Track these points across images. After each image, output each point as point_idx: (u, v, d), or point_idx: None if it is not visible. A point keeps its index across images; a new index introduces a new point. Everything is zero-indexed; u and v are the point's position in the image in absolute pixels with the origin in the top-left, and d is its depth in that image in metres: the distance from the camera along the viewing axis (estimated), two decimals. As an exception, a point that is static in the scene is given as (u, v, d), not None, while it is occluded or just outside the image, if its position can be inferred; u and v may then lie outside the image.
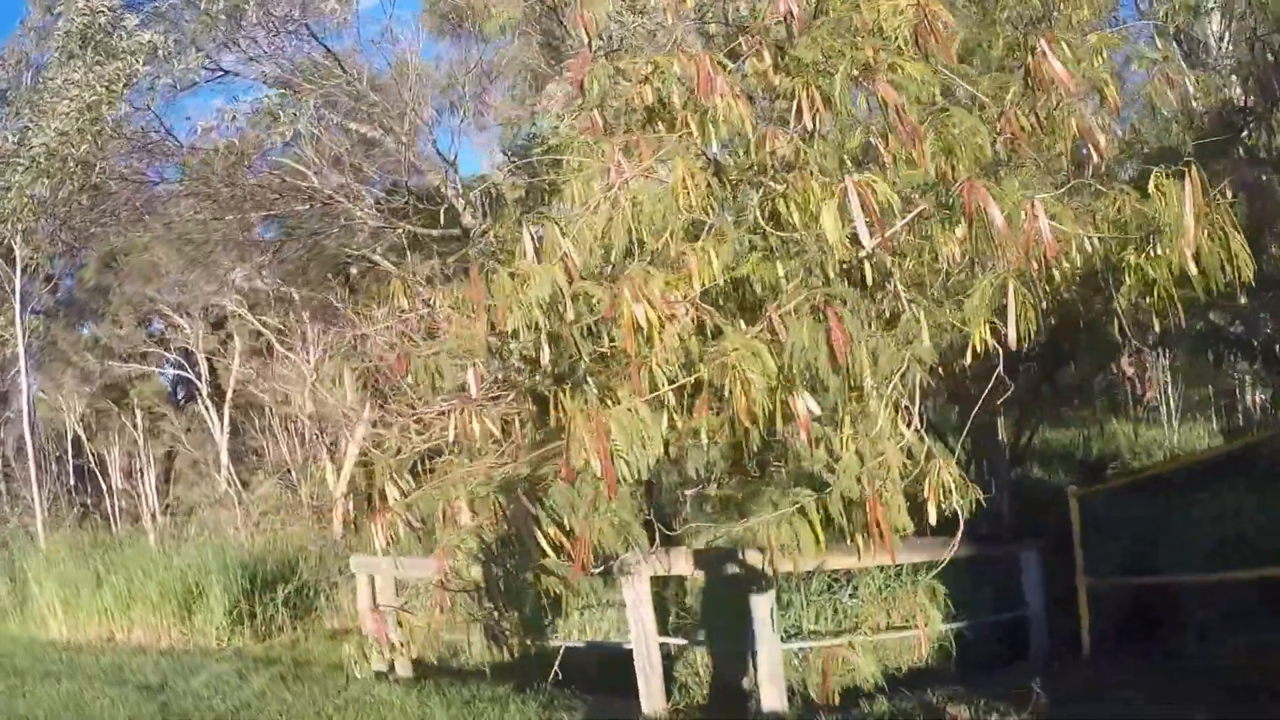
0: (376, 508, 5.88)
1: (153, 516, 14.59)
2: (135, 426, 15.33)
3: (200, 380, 15.33)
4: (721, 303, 4.63)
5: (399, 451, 7.59)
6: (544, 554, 4.76)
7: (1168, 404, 13.07)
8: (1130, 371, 13.30)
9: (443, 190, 10.49)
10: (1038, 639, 7.99)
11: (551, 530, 4.76)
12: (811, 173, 4.54)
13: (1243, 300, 5.79)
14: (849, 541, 4.30)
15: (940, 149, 4.25)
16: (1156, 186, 4.24)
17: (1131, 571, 7.80)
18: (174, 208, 10.99)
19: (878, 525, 3.87)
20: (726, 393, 3.81)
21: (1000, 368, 4.47)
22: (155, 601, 11.25)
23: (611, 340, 4.39)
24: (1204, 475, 8.78)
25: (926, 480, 3.97)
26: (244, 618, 11.24)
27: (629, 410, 3.78)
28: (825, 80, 4.63)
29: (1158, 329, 5.64)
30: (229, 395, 15.06)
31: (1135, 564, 7.94)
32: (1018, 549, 8.11)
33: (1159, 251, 4.53)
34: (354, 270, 12.63)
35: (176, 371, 15.92)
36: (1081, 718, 6.04)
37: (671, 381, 3.96)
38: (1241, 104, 5.99)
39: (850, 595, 8.03)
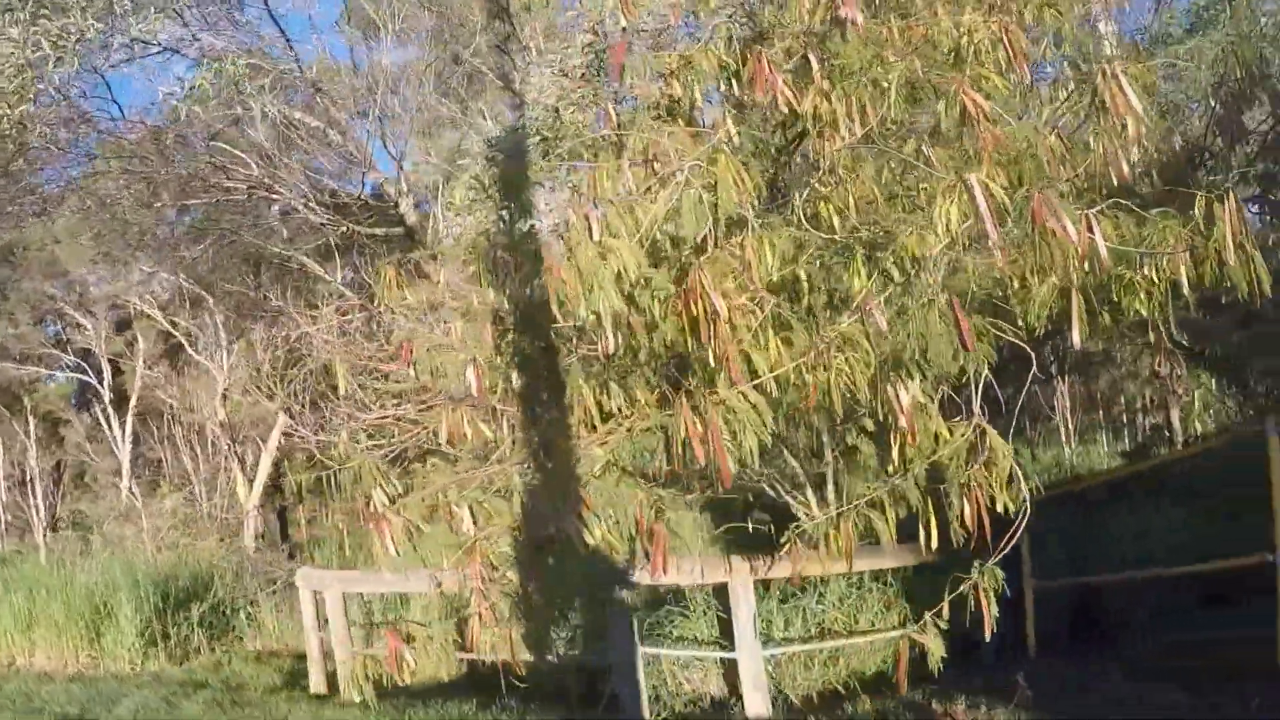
0: (378, 514, 5.57)
1: (44, 530, 13.46)
2: (28, 434, 14.14)
3: (102, 385, 14.26)
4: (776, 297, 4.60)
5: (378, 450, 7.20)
6: (592, 556, 4.60)
7: (1065, 425, 13.71)
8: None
9: (388, 189, 10.14)
10: (991, 639, 8.21)
11: (599, 532, 4.61)
12: (863, 176, 4.59)
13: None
14: (921, 529, 4.32)
15: (1007, 160, 4.33)
16: (1206, 207, 4.42)
17: (1072, 575, 8.10)
18: (100, 187, 10.18)
19: (976, 509, 3.88)
20: (825, 383, 3.78)
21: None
22: (60, 623, 10.37)
23: (684, 330, 4.28)
24: (1121, 489, 9.23)
25: (995, 471, 4.01)
26: (157, 639, 10.49)
27: (742, 395, 3.69)
28: (876, 89, 4.69)
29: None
30: (133, 401, 14.07)
31: (1074, 568, 8.28)
32: (972, 558, 8.32)
33: (1155, 270, 4.77)
34: (286, 268, 12.02)
35: (76, 375, 14.76)
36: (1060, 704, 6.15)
37: (769, 370, 3.89)
38: (1203, 144, 6.39)
39: (817, 601, 8.09)
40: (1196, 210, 4.43)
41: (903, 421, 3.82)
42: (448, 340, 5.70)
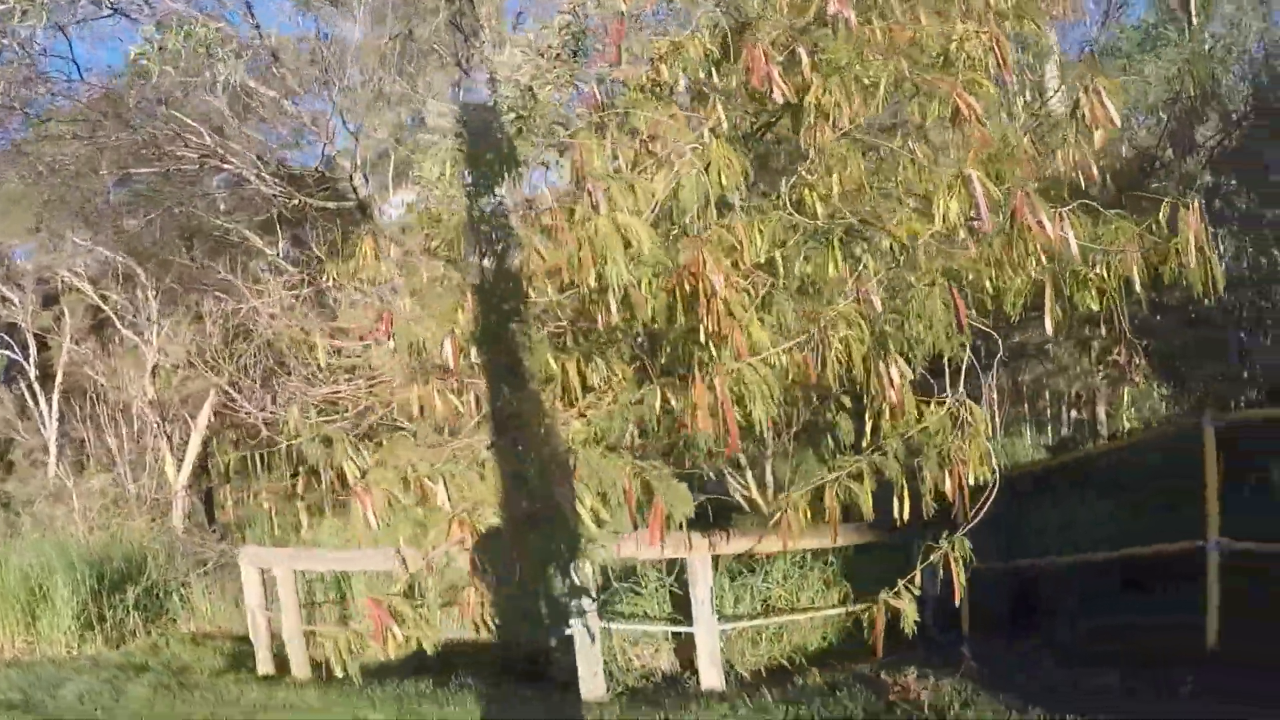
0: (359, 486, 5.56)
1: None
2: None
3: (27, 361, 13.68)
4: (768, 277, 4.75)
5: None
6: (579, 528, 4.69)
7: (992, 418, 14.19)
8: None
9: (342, 162, 9.99)
10: (926, 618, 8.54)
11: (589, 502, 4.70)
12: (849, 166, 4.77)
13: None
14: (897, 502, 4.52)
15: (988, 159, 4.55)
16: (1171, 211, 4.71)
17: (1006, 558, 8.44)
18: (47, 152, 9.78)
19: (957, 480, 4.08)
20: (823, 359, 3.93)
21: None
22: (-6, 606, 9.98)
23: (676, 306, 4.39)
24: (1054, 479, 9.62)
25: (975, 444, 4.22)
26: (93, 622, 10.18)
27: (751, 368, 3.83)
28: (860, 85, 4.87)
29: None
30: (58, 378, 13.54)
31: (1007, 555, 8.63)
32: (913, 537, 8.64)
33: (1108, 268, 5.06)
34: (226, 241, 11.70)
35: (2, 351, 14.10)
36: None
37: (771, 346, 4.04)
38: (1154, 154, 6.78)
39: (764, 579, 8.31)
40: (1161, 215, 4.71)
41: (892, 397, 4.01)
42: (426, 313, 5.71)
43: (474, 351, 6.25)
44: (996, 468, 4.32)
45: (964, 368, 4.27)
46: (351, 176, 9.99)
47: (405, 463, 6.07)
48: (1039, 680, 6.05)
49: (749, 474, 8.89)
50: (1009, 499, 9.21)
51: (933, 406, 4.18)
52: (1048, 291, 4.45)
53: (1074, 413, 12.40)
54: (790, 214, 4.86)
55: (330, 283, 9.15)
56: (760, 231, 4.64)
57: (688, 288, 4.31)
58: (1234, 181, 6.02)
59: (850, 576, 8.34)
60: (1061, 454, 10.20)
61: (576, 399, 5.17)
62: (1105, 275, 5.00)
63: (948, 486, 4.21)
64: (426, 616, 4.97)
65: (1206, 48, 6.91)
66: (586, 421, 4.89)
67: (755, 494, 9.14)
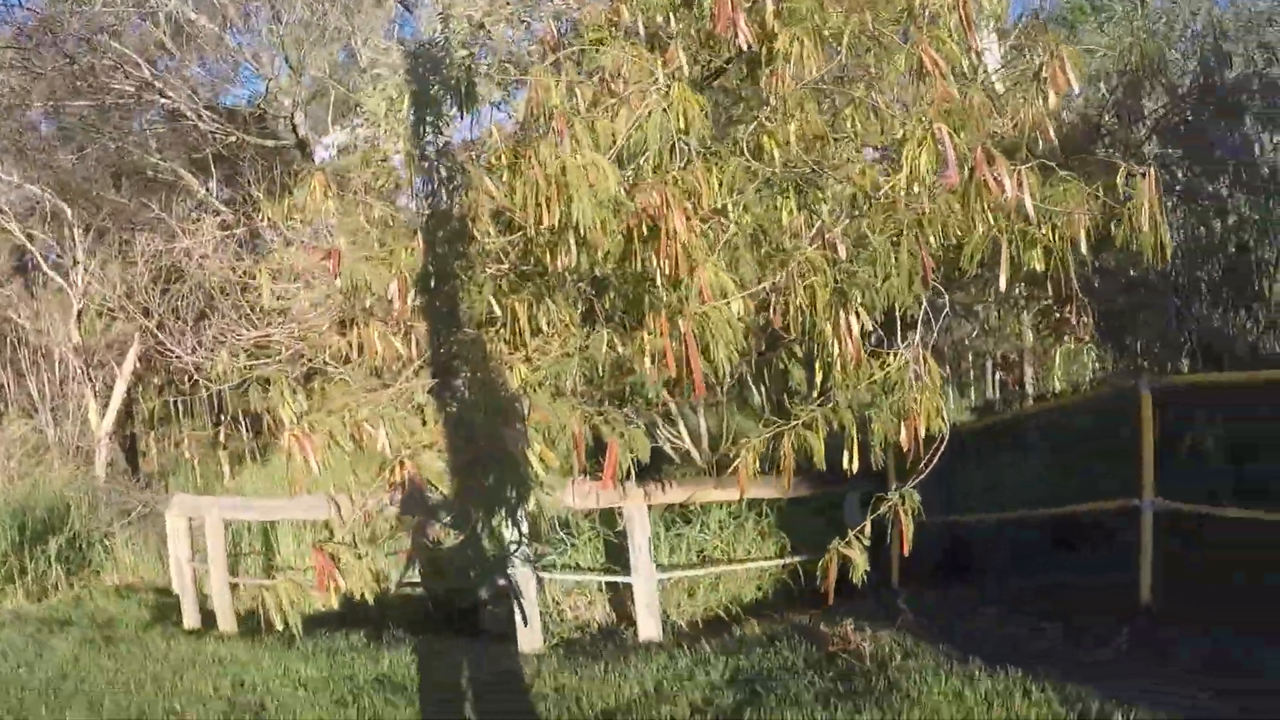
0: (301, 431, 5.29)
1: None
2: None
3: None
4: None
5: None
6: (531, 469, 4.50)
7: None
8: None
9: (283, 99, 9.53)
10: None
11: (539, 448, 4.52)
12: (808, 114, 4.62)
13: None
14: (846, 454, 4.43)
15: (946, 114, 4.41)
16: (1125, 178, 4.65)
17: (943, 513, 8.48)
18: None
19: (914, 433, 4.00)
20: (784, 304, 3.79)
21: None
22: (-88, 558, 9.46)
23: (634, 248, 4.21)
24: (986, 438, 9.70)
25: (930, 396, 4.14)
26: (14, 575, 9.74)
27: (717, 310, 3.66)
28: (821, 36, 4.71)
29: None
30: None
31: (945, 508, 8.68)
32: (846, 490, 8.64)
33: (1053, 230, 5.00)
34: (159, 181, 11.12)
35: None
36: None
37: (737, 289, 3.88)
38: (1099, 123, 6.77)
39: (700, 530, 8.25)
40: (1118, 179, 4.65)
41: (849, 348, 3.89)
42: (375, 252, 5.43)
43: (416, 294, 6.02)
44: (948, 422, 4.24)
45: (920, 321, 4.17)
46: (291, 115, 9.53)
47: (342, 407, 5.83)
48: (976, 633, 6.07)
49: (682, 425, 8.81)
50: (947, 455, 9.29)
51: (892, 358, 4.08)
52: (1004, 248, 4.36)
53: (999, 375, 12.55)
54: (748, 161, 4.69)
55: (265, 223, 8.76)
56: (719, 177, 4.47)
57: (645, 230, 4.14)
58: (1179, 153, 6.02)
59: (786, 528, 8.34)
60: (998, 413, 10.30)
61: (523, 343, 4.97)
62: (1052, 236, 4.95)
63: (902, 438, 4.11)
64: (370, 567, 4.75)
65: (1153, 25, 6.94)
66: (533, 366, 4.69)
67: (689, 445, 9.06)
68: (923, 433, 4.13)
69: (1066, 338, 6.15)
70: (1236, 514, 5.94)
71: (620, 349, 4.76)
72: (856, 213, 4.38)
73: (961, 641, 5.76)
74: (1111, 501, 6.46)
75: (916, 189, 4.27)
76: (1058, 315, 5.93)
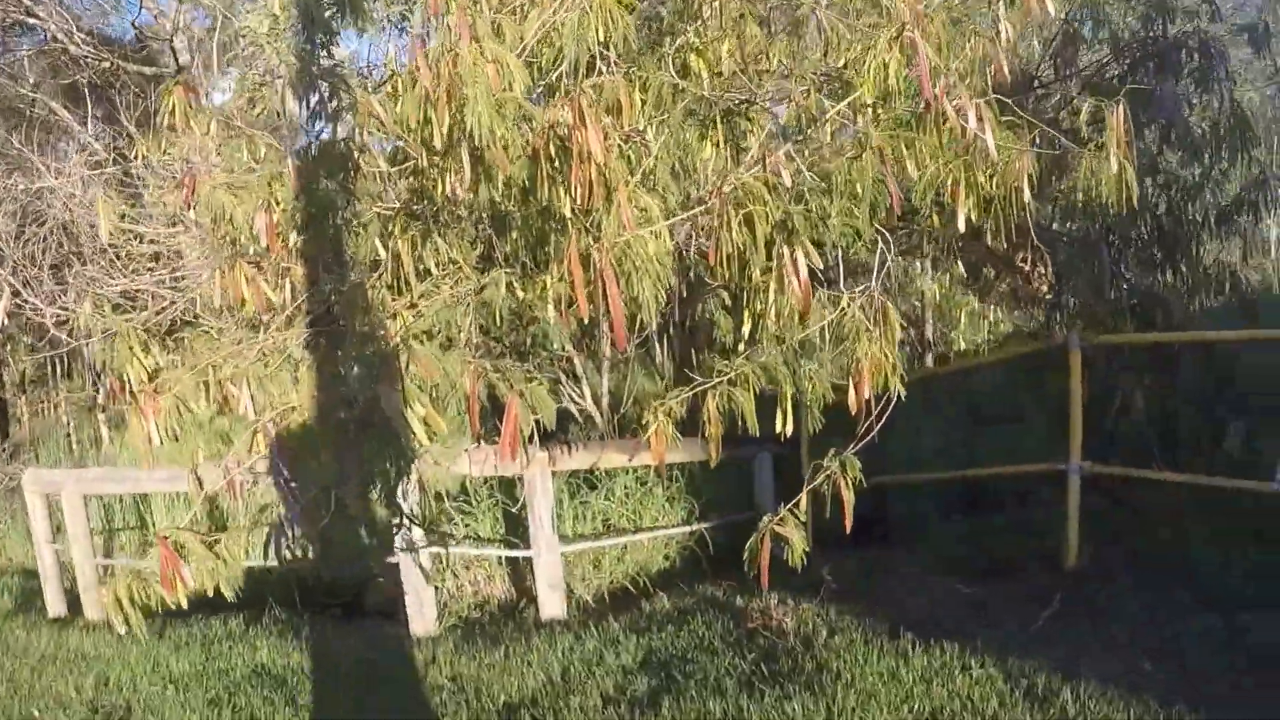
0: (139, 393, 4.35)
1: None
2: None
3: None
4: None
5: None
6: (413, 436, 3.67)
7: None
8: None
9: (164, 22, 8.30)
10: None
11: (423, 409, 3.69)
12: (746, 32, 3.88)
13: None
14: (780, 415, 3.73)
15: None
16: (1095, 113, 4.07)
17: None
18: None
19: (862, 391, 3.32)
20: (715, 239, 3.05)
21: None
22: None
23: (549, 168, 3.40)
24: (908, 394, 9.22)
25: (890, 349, 3.45)
26: None
27: (640, 240, 2.88)
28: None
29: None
30: None
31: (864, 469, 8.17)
32: (755, 451, 8.04)
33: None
34: (22, 114, 9.69)
35: None
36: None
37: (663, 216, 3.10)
38: (1033, 75, 6.27)
39: (605, 497, 7.54)
40: (1081, 116, 4.06)
41: (796, 289, 3.17)
42: (240, 180, 4.49)
43: (295, 234, 5.13)
44: (896, 376, 3.57)
45: (877, 265, 3.49)
46: (171, 38, 8.31)
47: (206, 363, 4.89)
48: (903, 600, 5.60)
49: (585, 384, 8.03)
50: (866, 414, 8.78)
51: (845, 302, 3.40)
52: (961, 183, 3.71)
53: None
54: (675, 79, 3.93)
55: (140, 160, 7.63)
56: (642, 97, 3.71)
57: (555, 151, 3.35)
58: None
59: (694, 493, 7.71)
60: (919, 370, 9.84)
61: (408, 287, 4.13)
62: (1000, 180, 4.32)
63: (851, 398, 3.45)
64: (223, 552, 3.87)
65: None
66: (419, 313, 3.86)
67: (590, 405, 8.30)
68: (868, 391, 3.46)
69: (1025, 288, 5.60)
70: (1165, 477, 5.63)
71: (522, 294, 3.97)
72: (801, 137, 3.66)
73: (889, 611, 5.31)
74: (1038, 465, 6.07)
75: (872, 113, 3.58)
76: (1017, 265, 5.36)
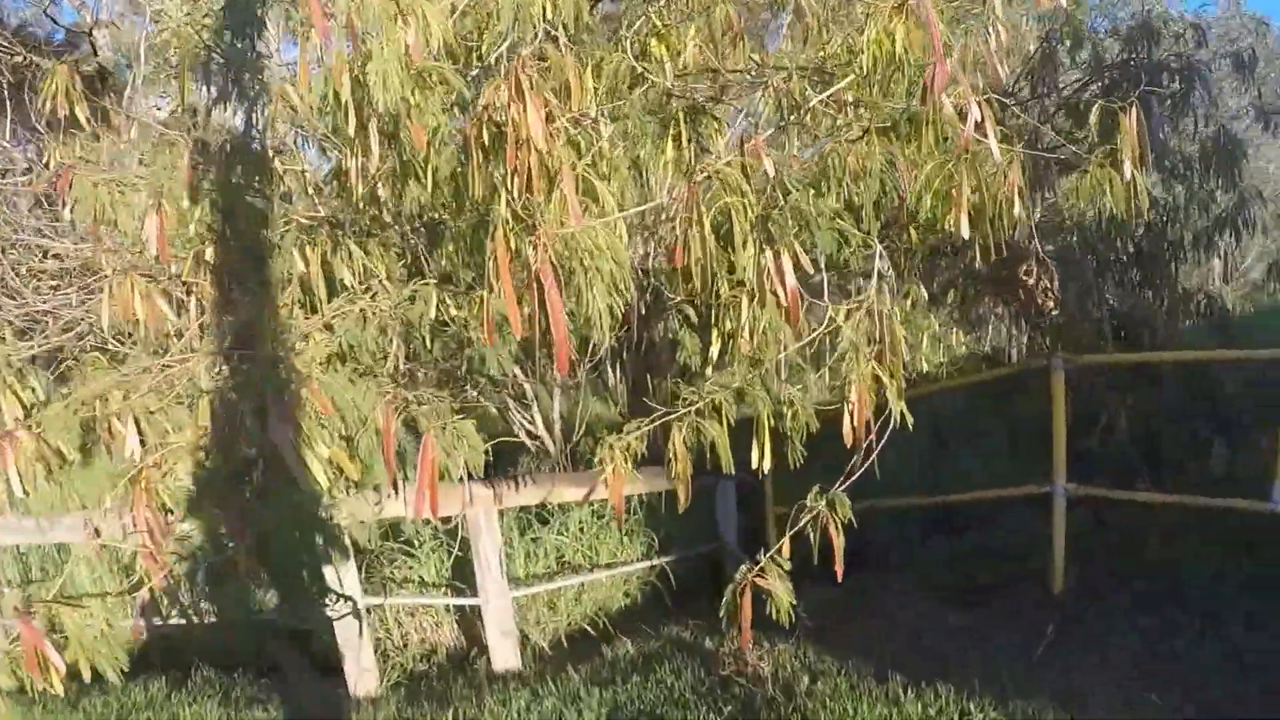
0: (8, 433, 3.62)
1: None
2: None
3: None
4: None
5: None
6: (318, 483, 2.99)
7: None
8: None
9: (85, 16, 7.52)
10: (731, 569, 7.40)
11: (326, 449, 3.01)
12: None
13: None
14: (755, 447, 3.11)
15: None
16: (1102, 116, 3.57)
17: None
18: None
19: (862, 417, 2.71)
20: (683, 240, 2.44)
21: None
22: None
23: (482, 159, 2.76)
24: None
25: (894, 366, 2.85)
26: None
27: (593, 232, 2.24)
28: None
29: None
30: None
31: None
32: (716, 480, 7.43)
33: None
34: None
35: None
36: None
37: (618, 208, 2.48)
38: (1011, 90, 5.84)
39: (558, 532, 6.85)
40: (1092, 121, 3.54)
41: (782, 300, 2.56)
42: (127, 178, 3.79)
43: (201, 242, 4.43)
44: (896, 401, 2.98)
45: (876, 268, 2.89)
46: (90, 31, 7.51)
47: (95, 395, 4.16)
48: (885, 634, 5.06)
49: (536, 409, 7.33)
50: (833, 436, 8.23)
51: (841, 315, 2.80)
52: (963, 186, 3.14)
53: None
54: (633, 63, 3.33)
55: (50, 166, 6.82)
56: (596, 76, 3.11)
57: (488, 139, 2.72)
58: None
59: (654, 526, 7.06)
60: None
61: (320, 304, 3.46)
62: (983, 192, 3.77)
63: (846, 425, 2.85)
64: (104, 627, 3.14)
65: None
66: (333, 334, 3.18)
67: (543, 432, 7.60)
68: (865, 418, 2.86)
69: (1031, 306, 5.09)
70: (1152, 498, 5.22)
71: (455, 311, 3.33)
72: (783, 122, 3.08)
73: (873, 648, 4.82)
74: (1021, 488, 5.58)
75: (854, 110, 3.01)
76: (1021, 281, 4.85)
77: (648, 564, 6.74)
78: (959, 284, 5.47)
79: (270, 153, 4.48)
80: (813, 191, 2.88)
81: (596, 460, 3.38)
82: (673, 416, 2.96)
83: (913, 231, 4.27)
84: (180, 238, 4.52)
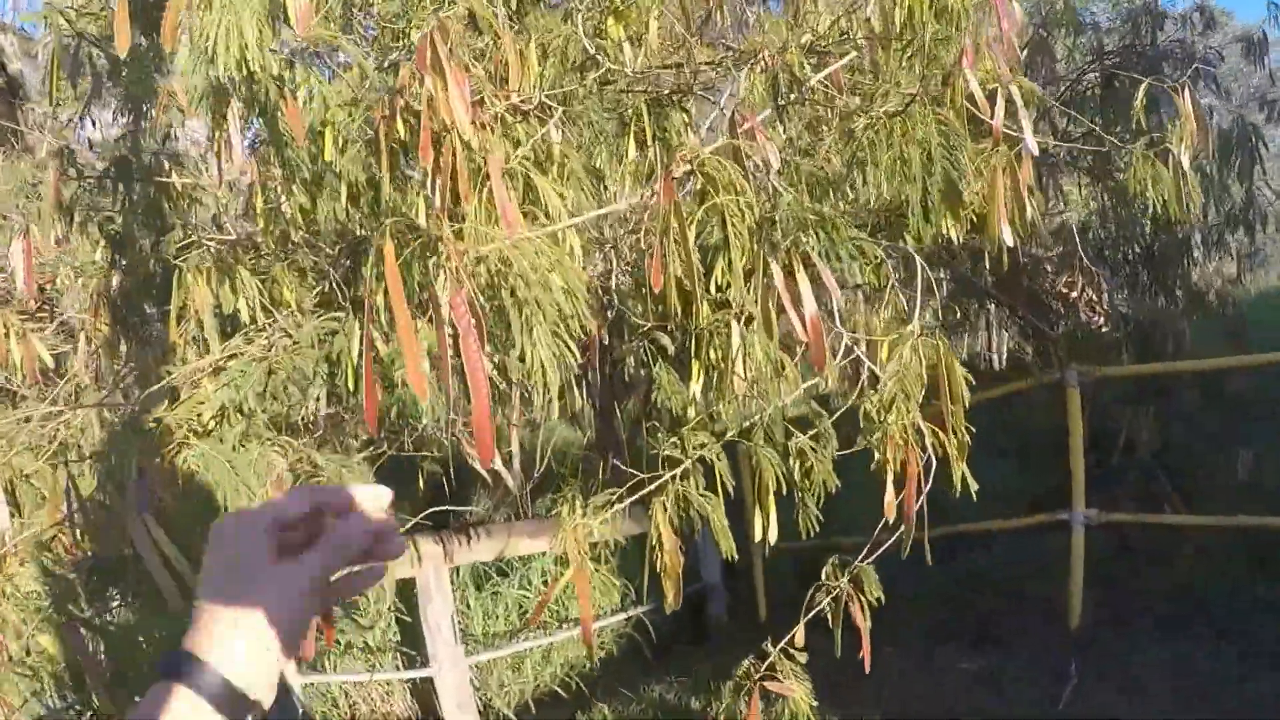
0: None
1: None
2: None
3: None
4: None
5: None
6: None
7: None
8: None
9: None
10: (716, 610, 6.77)
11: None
12: None
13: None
14: (760, 516, 2.46)
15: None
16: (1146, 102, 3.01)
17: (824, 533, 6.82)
18: None
19: (913, 486, 2.08)
20: (661, 253, 1.79)
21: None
22: None
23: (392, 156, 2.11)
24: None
25: (954, 414, 2.21)
26: None
27: (530, 247, 1.58)
28: None
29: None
30: None
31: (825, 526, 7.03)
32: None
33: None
34: None
35: None
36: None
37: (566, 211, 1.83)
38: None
39: (520, 585, 6.14)
40: (1138, 103, 2.98)
41: (798, 330, 1.90)
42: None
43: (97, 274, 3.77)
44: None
45: (921, 284, 2.25)
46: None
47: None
48: (895, 681, 4.54)
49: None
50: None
51: (886, 345, 2.17)
52: (999, 186, 2.53)
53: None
54: (587, 41, 2.69)
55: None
56: (542, 53, 2.47)
57: (404, 133, 2.07)
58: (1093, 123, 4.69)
59: (627, 572, 6.38)
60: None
61: (206, 343, 2.77)
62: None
63: (887, 498, 2.21)
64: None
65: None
66: (222, 383, 2.50)
67: (500, 467, 6.86)
68: (914, 490, 2.23)
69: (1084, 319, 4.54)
70: (1185, 521, 4.72)
71: (382, 346, 2.67)
72: (782, 101, 2.45)
73: (884, 700, 4.36)
74: (1036, 516, 5.04)
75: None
76: (1059, 292, 4.29)
77: (623, 615, 6.05)
78: (953, 293, 4.90)
79: (166, 162, 3.80)
80: (860, 169, 2.24)
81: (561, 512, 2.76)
82: (652, 486, 2.32)
83: (920, 231, 3.67)
84: (65, 266, 3.84)
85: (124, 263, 3.86)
